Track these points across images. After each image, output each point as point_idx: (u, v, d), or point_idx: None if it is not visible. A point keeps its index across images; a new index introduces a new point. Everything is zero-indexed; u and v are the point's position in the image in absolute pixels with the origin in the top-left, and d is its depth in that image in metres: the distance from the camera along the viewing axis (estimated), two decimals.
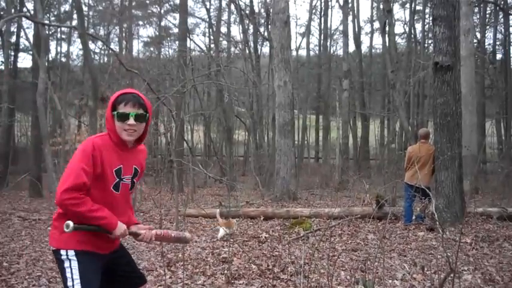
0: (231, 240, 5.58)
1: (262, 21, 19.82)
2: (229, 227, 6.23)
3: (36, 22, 12.23)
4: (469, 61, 10.39)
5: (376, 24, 23.86)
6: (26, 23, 18.92)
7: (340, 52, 22.01)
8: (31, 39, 17.53)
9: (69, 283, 2.04)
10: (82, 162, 2.01)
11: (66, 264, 2.06)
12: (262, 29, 19.87)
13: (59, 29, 21.64)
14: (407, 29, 23.39)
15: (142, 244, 5.87)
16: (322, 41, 23.76)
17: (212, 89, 20.77)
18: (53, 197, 2.57)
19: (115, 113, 2.10)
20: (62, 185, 1.98)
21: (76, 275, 2.04)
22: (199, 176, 15.74)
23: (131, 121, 2.10)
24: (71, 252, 2.06)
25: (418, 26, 22.86)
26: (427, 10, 19.52)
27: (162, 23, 23.88)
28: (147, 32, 56.16)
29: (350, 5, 19.50)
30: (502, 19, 19.01)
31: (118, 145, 2.15)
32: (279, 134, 10.82)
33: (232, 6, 20.64)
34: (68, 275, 2.05)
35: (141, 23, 24.45)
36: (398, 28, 34.76)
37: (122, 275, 2.31)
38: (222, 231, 6.17)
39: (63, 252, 2.07)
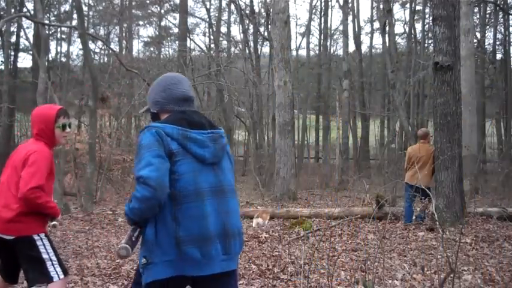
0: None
1: (262, 21, 19.81)
2: (264, 218, 6.67)
3: (36, 22, 12.24)
4: (469, 61, 10.38)
5: (376, 24, 23.90)
6: (26, 23, 18.97)
7: (340, 52, 22.05)
8: (31, 39, 17.57)
9: (45, 256, 2.65)
10: (46, 168, 2.61)
11: (40, 243, 2.66)
12: (262, 29, 19.86)
13: (59, 29, 21.63)
14: (407, 29, 23.40)
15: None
16: (322, 41, 23.75)
17: (212, 89, 20.75)
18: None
19: (60, 124, 2.74)
20: (27, 182, 2.51)
21: (50, 249, 2.69)
22: None
23: (68, 129, 2.81)
24: (42, 235, 2.69)
25: (418, 26, 22.87)
26: (427, 10, 19.52)
27: (162, 23, 23.93)
28: (147, 32, 56.25)
29: (350, 5, 19.50)
30: (502, 19, 19.02)
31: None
32: (279, 134, 10.81)
33: (232, 6, 20.67)
34: (43, 250, 2.66)
35: (141, 23, 24.50)
36: (398, 28, 34.77)
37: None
38: (255, 221, 6.73)
39: (35, 236, 2.65)
